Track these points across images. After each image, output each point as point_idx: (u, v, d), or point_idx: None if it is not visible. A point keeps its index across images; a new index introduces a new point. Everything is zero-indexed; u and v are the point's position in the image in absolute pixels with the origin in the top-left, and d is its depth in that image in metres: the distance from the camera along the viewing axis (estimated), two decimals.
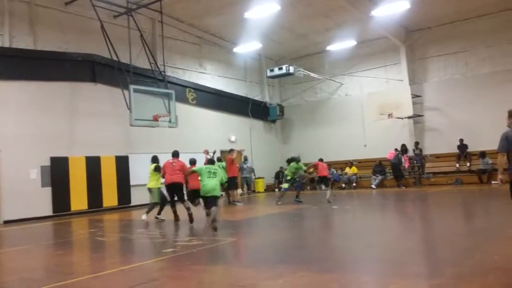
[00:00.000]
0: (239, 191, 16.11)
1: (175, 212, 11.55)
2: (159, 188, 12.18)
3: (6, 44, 14.70)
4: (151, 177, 12.17)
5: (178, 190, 11.33)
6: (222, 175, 11.50)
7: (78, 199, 15.78)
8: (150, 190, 12.19)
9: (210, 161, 11.45)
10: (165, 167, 11.47)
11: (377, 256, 6.73)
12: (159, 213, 12.13)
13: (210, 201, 9.61)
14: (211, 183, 9.48)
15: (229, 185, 15.88)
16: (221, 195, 14.64)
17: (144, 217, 12.02)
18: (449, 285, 4.87)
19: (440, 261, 6.06)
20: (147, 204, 12.67)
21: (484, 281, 4.94)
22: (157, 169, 12.06)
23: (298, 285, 5.30)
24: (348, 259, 6.77)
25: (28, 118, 14.87)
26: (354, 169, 21.83)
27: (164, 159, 12.07)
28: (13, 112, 14.57)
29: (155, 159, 12.45)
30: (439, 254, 6.57)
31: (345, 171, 22.02)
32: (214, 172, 9.64)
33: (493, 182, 17.48)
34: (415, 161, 20.66)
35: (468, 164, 19.38)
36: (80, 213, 15.60)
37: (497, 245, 6.80)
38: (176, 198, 11.40)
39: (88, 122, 16.37)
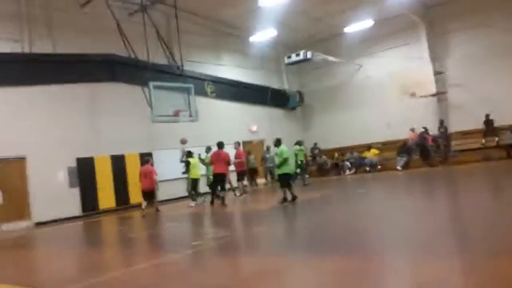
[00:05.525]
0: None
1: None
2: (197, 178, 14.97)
3: (27, 50, 14.92)
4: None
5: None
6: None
7: (106, 198, 16.03)
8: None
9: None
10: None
11: (408, 236, 6.62)
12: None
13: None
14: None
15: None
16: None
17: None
18: (483, 261, 4.76)
19: (473, 238, 5.94)
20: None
21: None
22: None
23: (329, 270, 5.26)
24: (378, 242, 6.66)
25: (51, 121, 15.12)
26: (373, 151, 21.34)
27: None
28: (37, 117, 14.81)
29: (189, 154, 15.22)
30: (472, 232, 6.44)
31: (363, 154, 21.56)
32: None
33: None
34: (440, 139, 20.22)
35: (496, 138, 18.84)
36: (108, 211, 15.86)
37: None
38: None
39: (111, 121, 16.56)
